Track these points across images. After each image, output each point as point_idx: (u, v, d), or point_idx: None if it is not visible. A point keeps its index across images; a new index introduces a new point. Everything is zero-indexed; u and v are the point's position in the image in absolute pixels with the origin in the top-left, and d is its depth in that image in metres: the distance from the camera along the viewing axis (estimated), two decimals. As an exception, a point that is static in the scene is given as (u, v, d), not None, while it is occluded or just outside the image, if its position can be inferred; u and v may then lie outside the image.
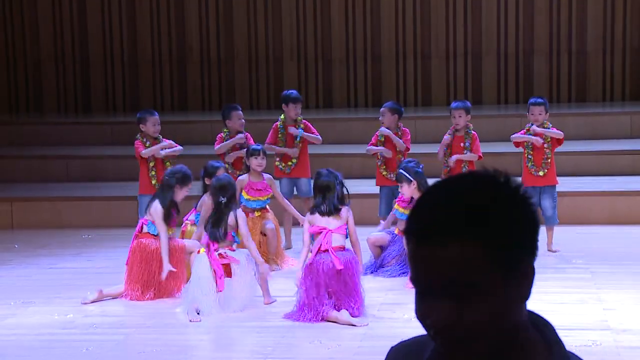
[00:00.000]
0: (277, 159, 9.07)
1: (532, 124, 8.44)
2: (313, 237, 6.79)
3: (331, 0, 13.77)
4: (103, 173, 11.28)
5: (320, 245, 6.65)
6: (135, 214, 8.94)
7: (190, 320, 6.63)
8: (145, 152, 8.55)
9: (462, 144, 8.56)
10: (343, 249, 6.69)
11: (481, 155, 8.61)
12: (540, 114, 8.40)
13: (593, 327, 6.23)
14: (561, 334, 5.58)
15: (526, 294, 1.53)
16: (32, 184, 11.19)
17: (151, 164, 8.64)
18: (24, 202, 10.50)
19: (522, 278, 1.51)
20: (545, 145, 8.40)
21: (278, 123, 9.11)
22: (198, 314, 6.72)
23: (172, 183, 7.37)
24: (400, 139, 8.77)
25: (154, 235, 7.32)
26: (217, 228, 6.91)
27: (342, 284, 6.58)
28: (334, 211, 6.71)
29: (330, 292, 6.57)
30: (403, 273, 7.67)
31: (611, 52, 13.51)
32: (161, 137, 8.71)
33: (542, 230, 8.31)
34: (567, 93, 13.46)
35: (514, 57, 13.63)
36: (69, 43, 14.18)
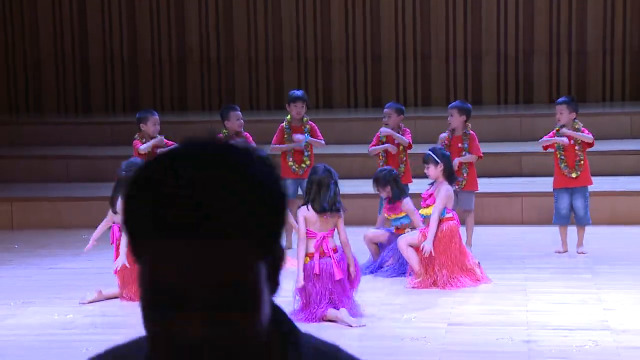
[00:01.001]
0: (290, 159, 9.05)
1: (562, 126, 8.35)
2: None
3: (331, 1, 13.78)
4: (103, 173, 11.26)
5: (321, 250, 6.63)
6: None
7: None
8: (143, 148, 8.59)
9: (460, 145, 8.56)
10: (336, 250, 6.68)
11: (481, 155, 8.61)
12: (561, 114, 8.30)
13: (593, 327, 6.23)
14: (562, 334, 5.57)
15: (278, 282, 1.30)
16: (32, 184, 11.18)
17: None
18: (24, 202, 10.50)
19: (279, 262, 1.29)
20: (577, 147, 8.32)
21: (284, 124, 9.10)
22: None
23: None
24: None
25: None
26: None
27: (341, 287, 6.59)
28: (328, 210, 6.66)
29: (330, 294, 6.57)
30: (402, 273, 7.67)
31: (611, 53, 13.51)
32: (159, 136, 8.75)
33: (572, 230, 8.33)
34: (567, 93, 13.43)
35: (513, 58, 13.63)
36: (68, 43, 14.18)
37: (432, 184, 7.76)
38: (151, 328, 1.24)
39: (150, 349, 1.26)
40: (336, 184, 6.75)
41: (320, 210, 6.64)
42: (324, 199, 6.65)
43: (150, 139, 8.68)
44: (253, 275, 1.23)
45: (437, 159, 7.59)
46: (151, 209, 1.20)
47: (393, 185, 7.88)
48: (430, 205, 7.57)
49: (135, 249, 1.25)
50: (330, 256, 6.60)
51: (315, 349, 1.33)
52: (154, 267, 1.21)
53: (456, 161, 8.46)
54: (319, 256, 6.59)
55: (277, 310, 1.31)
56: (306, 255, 6.68)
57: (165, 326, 1.22)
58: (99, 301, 7.17)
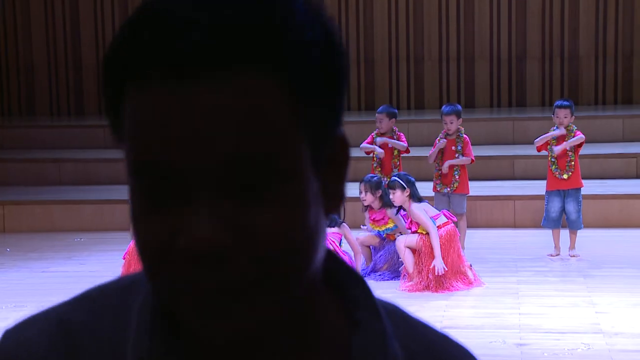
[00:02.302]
0: None
1: (557, 127, 8.39)
2: None
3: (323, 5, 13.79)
4: (95, 176, 11.26)
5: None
6: (128, 218, 8.93)
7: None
8: None
9: (453, 148, 8.57)
10: (343, 254, 6.70)
11: (473, 158, 8.62)
12: (565, 117, 8.34)
13: (585, 330, 6.24)
14: (554, 337, 5.57)
15: (338, 196, 0.85)
16: (25, 188, 11.16)
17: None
18: (16, 206, 10.48)
19: (332, 159, 0.83)
20: (568, 149, 8.37)
21: None
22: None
23: None
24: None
25: None
26: None
27: None
28: (334, 224, 6.72)
29: None
30: (395, 277, 7.68)
31: (603, 57, 13.54)
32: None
33: (565, 233, 8.36)
34: (559, 97, 13.46)
35: (506, 61, 13.66)
36: (61, 46, 14.17)
37: (399, 209, 7.74)
38: (147, 240, 0.80)
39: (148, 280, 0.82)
40: None
41: (329, 226, 6.67)
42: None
43: None
44: (291, 154, 0.78)
45: (403, 184, 7.57)
46: (151, 36, 0.78)
47: (383, 193, 7.86)
48: (417, 230, 7.53)
49: (118, 109, 0.86)
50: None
51: (406, 323, 0.92)
52: (145, 131, 0.79)
53: (447, 164, 8.48)
54: None
55: (333, 257, 0.89)
56: None
57: (163, 229, 0.78)
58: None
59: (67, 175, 11.47)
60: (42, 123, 13.48)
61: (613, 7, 13.46)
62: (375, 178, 8.03)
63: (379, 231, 7.96)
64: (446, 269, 7.29)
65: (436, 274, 7.28)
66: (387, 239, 7.90)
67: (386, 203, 7.86)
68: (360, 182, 8.07)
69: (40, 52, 14.22)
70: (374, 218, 7.96)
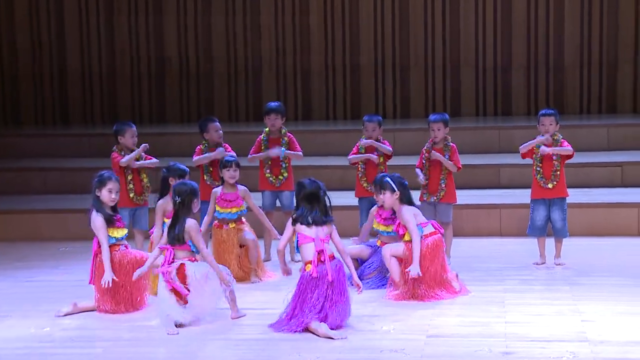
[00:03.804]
0: (268, 170, 9.04)
1: (542, 136, 8.42)
2: (298, 245, 6.72)
3: (310, 13, 13.81)
4: (81, 185, 11.21)
5: (320, 256, 6.58)
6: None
7: (168, 333, 6.60)
8: (124, 161, 8.56)
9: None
10: (332, 257, 6.66)
11: (460, 167, 8.64)
12: (550, 125, 8.38)
13: (571, 338, 6.25)
14: (540, 345, 5.58)
15: None
16: (10, 197, 11.13)
17: (129, 177, 8.62)
18: (2, 215, 10.44)
19: None
20: (554, 158, 8.40)
21: (262, 136, 9.09)
22: (177, 326, 6.70)
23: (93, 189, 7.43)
24: None
25: (112, 245, 7.34)
26: (172, 230, 6.88)
27: (340, 293, 6.56)
28: (320, 223, 6.64)
29: (325, 302, 6.53)
30: (382, 285, 7.68)
31: (588, 66, 13.61)
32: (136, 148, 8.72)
33: (550, 242, 8.38)
34: (545, 105, 13.53)
35: (492, 70, 13.70)
36: (46, 55, 14.13)
37: (391, 215, 7.70)
38: None
39: None
40: (325, 194, 6.73)
41: (314, 224, 6.62)
42: (316, 213, 6.63)
43: (129, 151, 8.65)
44: None
45: (394, 186, 7.54)
46: None
47: (402, 194, 7.66)
48: (405, 234, 7.51)
49: None
50: (326, 262, 6.57)
51: None
52: None
53: (436, 155, 8.46)
54: (317, 262, 6.55)
55: None
56: (306, 263, 6.64)
57: None
58: (74, 314, 7.13)
59: (53, 184, 11.44)
60: (28, 132, 13.44)
61: (598, 17, 13.53)
62: (396, 175, 7.78)
63: (383, 231, 7.87)
64: (420, 275, 7.26)
65: (410, 277, 7.27)
66: (378, 247, 7.87)
67: (405, 200, 7.60)
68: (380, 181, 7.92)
69: (25, 61, 14.17)
70: (384, 217, 7.85)
